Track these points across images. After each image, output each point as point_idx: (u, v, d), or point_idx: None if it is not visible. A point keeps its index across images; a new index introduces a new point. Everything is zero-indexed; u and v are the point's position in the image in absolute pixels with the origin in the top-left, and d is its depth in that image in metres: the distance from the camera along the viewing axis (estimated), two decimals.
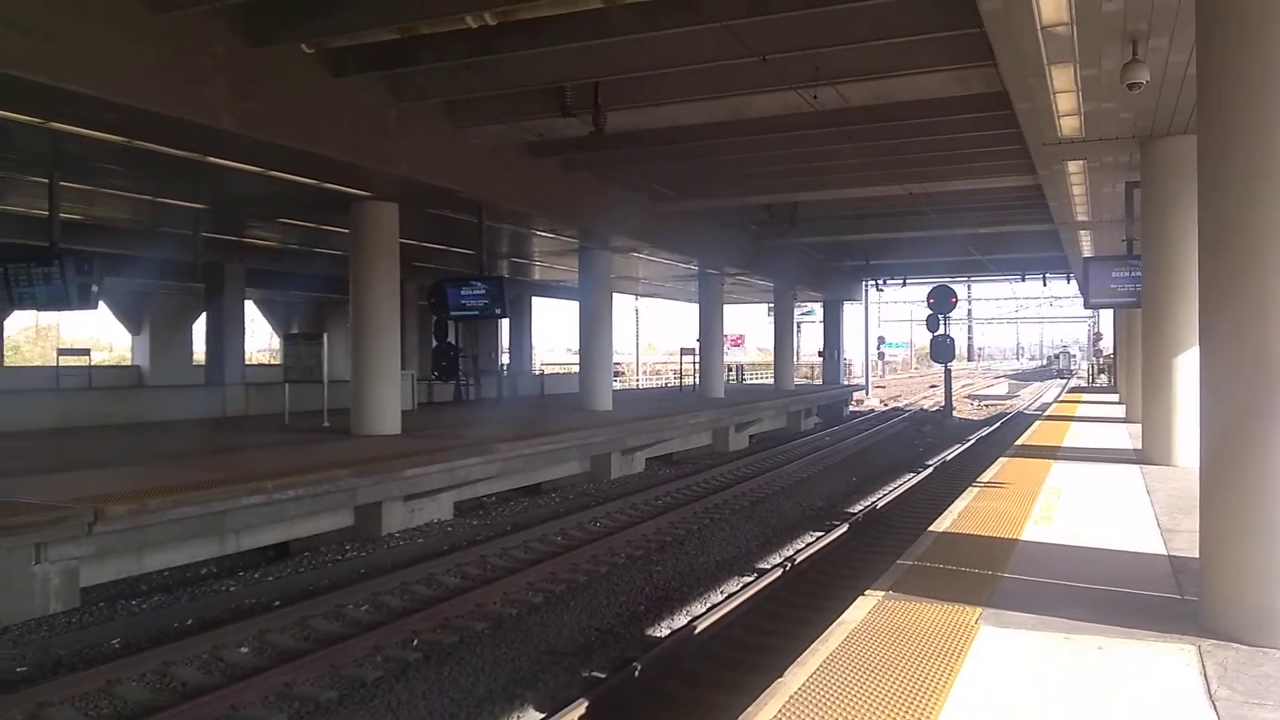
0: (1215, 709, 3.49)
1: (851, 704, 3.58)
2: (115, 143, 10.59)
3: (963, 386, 50.68)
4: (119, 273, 19.94)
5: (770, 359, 39.73)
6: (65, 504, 7.93)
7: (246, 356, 27.89)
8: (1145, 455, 10.97)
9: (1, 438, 14.35)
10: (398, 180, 12.99)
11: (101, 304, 16.37)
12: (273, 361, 38.03)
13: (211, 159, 11.56)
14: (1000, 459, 11.54)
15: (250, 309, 29.79)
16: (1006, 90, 9.57)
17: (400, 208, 14.57)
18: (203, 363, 26.33)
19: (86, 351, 26.63)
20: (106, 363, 34.96)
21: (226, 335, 23.67)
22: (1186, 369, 9.90)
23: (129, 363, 30.02)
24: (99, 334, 47.49)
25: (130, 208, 16.69)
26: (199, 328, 27.18)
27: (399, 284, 15.19)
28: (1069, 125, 10.57)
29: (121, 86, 8.91)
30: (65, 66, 8.37)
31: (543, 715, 6.11)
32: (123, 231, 18.63)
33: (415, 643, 7.40)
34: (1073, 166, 12.96)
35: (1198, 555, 4.73)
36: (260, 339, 45.31)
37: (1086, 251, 21.83)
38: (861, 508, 13.95)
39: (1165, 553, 6.10)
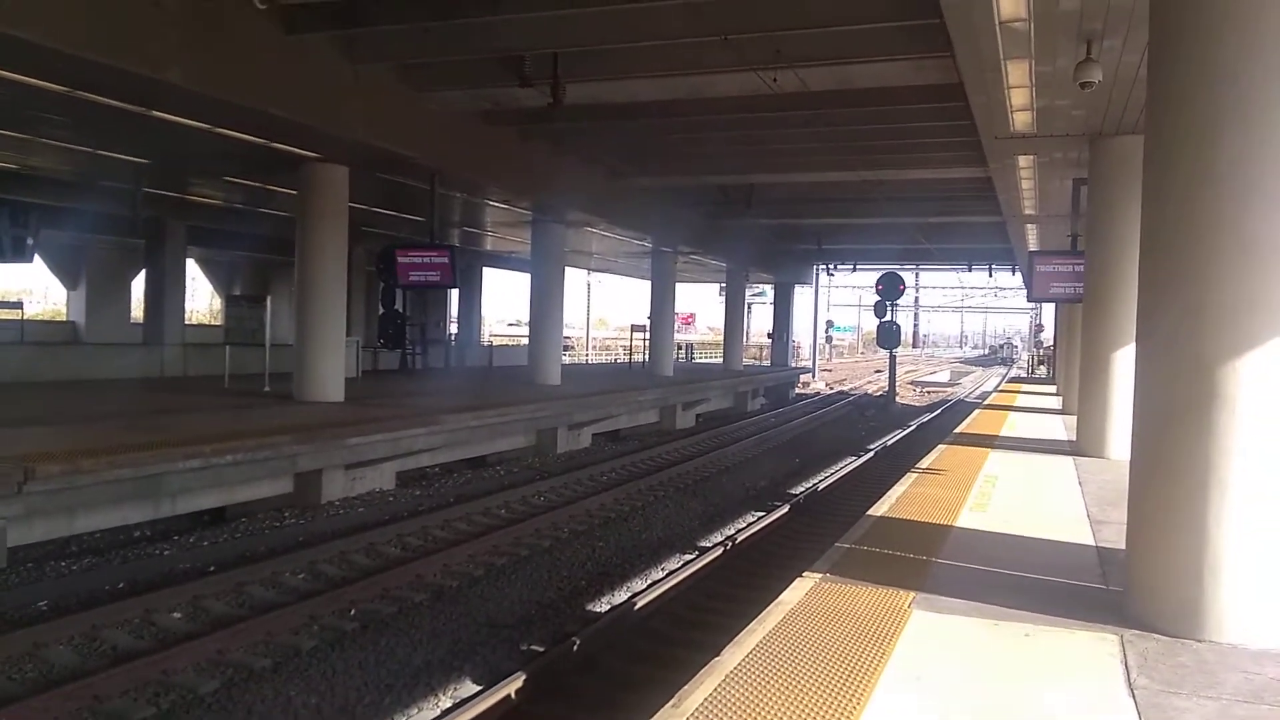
0: (1134, 697, 3.61)
1: (786, 684, 3.64)
2: (55, 91, 10.22)
3: (907, 373, 51.44)
4: (56, 225, 19.31)
5: (720, 338, 39.91)
6: None
7: (187, 316, 27.26)
8: (1079, 447, 11.24)
9: None
10: (349, 143, 12.76)
11: (37, 256, 15.85)
12: (214, 322, 37.24)
13: (157, 113, 11.23)
14: (940, 446, 11.75)
15: (192, 268, 29.08)
16: (963, 82, 9.67)
17: (351, 171, 14.31)
18: (141, 321, 25.69)
19: (19, 305, 25.76)
20: (40, 317, 33.94)
21: (166, 294, 23.08)
22: (1123, 365, 10.14)
23: (64, 318, 29.17)
24: (32, 286, 46.04)
25: (69, 159, 16.15)
26: (138, 285, 26.48)
27: (347, 248, 14.95)
28: (1021, 120, 10.72)
29: (64, 34, 8.59)
30: (7, 13, 8.04)
31: (480, 687, 6.11)
32: (61, 183, 18.00)
33: (353, 612, 7.36)
34: (1023, 161, 13.17)
35: (1124, 547, 4.87)
36: (201, 299, 44.27)
37: (1032, 245, 22.25)
38: (803, 489, 14.14)
39: (1094, 543, 6.28)
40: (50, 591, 7.47)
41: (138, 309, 27.22)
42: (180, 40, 9.67)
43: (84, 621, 6.61)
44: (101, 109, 11.01)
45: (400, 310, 23.89)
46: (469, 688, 6.20)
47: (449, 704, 5.93)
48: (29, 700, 5.35)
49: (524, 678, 6.00)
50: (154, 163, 16.25)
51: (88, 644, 6.42)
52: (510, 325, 60.25)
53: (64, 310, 29.66)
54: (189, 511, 9.79)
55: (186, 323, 26.29)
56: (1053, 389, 25.70)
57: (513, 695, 5.86)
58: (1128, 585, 4.74)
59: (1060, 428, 14.30)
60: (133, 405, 13.26)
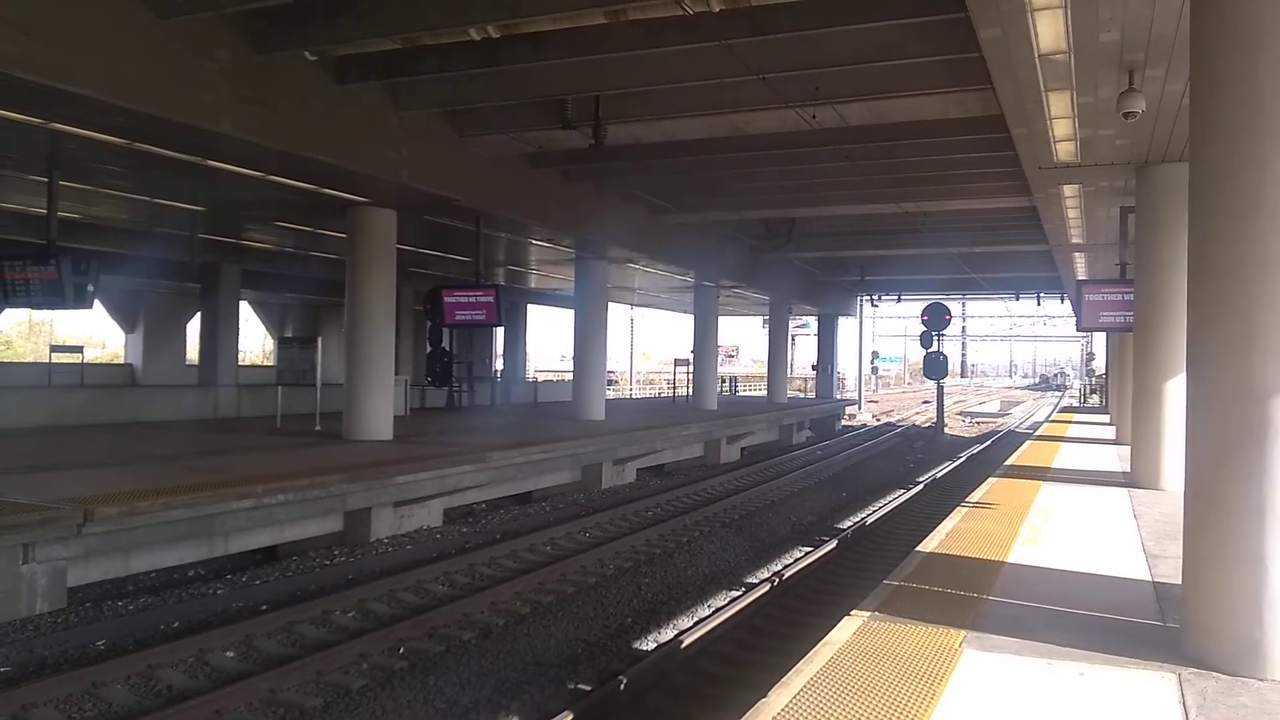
0: None
1: None
2: (116, 144, 10.61)
3: (955, 403, 50.80)
4: (115, 271, 19.90)
5: (764, 371, 39.79)
6: (55, 504, 7.92)
7: (240, 358, 27.85)
8: (1134, 479, 11.02)
9: None
10: (396, 187, 13.03)
11: (96, 302, 16.34)
12: (266, 363, 37.95)
13: (211, 162, 11.58)
14: (990, 478, 11.58)
15: (245, 310, 29.76)
16: (1003, 114, 9.65)
17: (398, 214, 14.60)
18: (196, 363, 26.28)
19: (80, 349, 26.53)
20: (99, 360, 34.87)
21: (220, 336, 23.64)
22: (1176, 394, 9.96)
23: (122, 361, 29.95)
24: (92, 331, 47.36)
25: (128, 207, 16.70)
26: (193, 327, 27.15)
27: (395, 289, 15.21)
28: (1065, 150, 10.66)
29: (124, 90, 8.94)
30: (68, 69, 8.41)
31: None
32: (120, 231, 18.62)
33: (401, 650, 7.40)
34: (1068, 190, 13.05)
35: (1180, 582, 4.77)
36: (254, 340, 45.24)
37: (1081, 274, 21.96)
38: (851, 524, 13.99)
39: (1150, 579, 6.14)
40: (108, 631, 7.61)
41: (192, 351, 27.88)
42: (232, 92, 9.99)
43: (140, 661, 6.73)
44: (158, 159, 11.38)
45: (447, 349, 24.22)
46: None
47: None
48: None
49: (571, 717, 5.99)
50: (209, 209, 16.73)
51: (144, 683, 6.53)
52: (562, 359, 60.48)
53: (122, 354, 30.46)
54: (241, 550, 9.95)
55: (240, 364, 26.84)
56: (1106, 419, 25.22)
57: None
58: (1185, 622, 4.64)
59: (1114, 459, 14.03)
60: (187, 446, 13.55)
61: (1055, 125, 9.63)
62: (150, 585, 9.19)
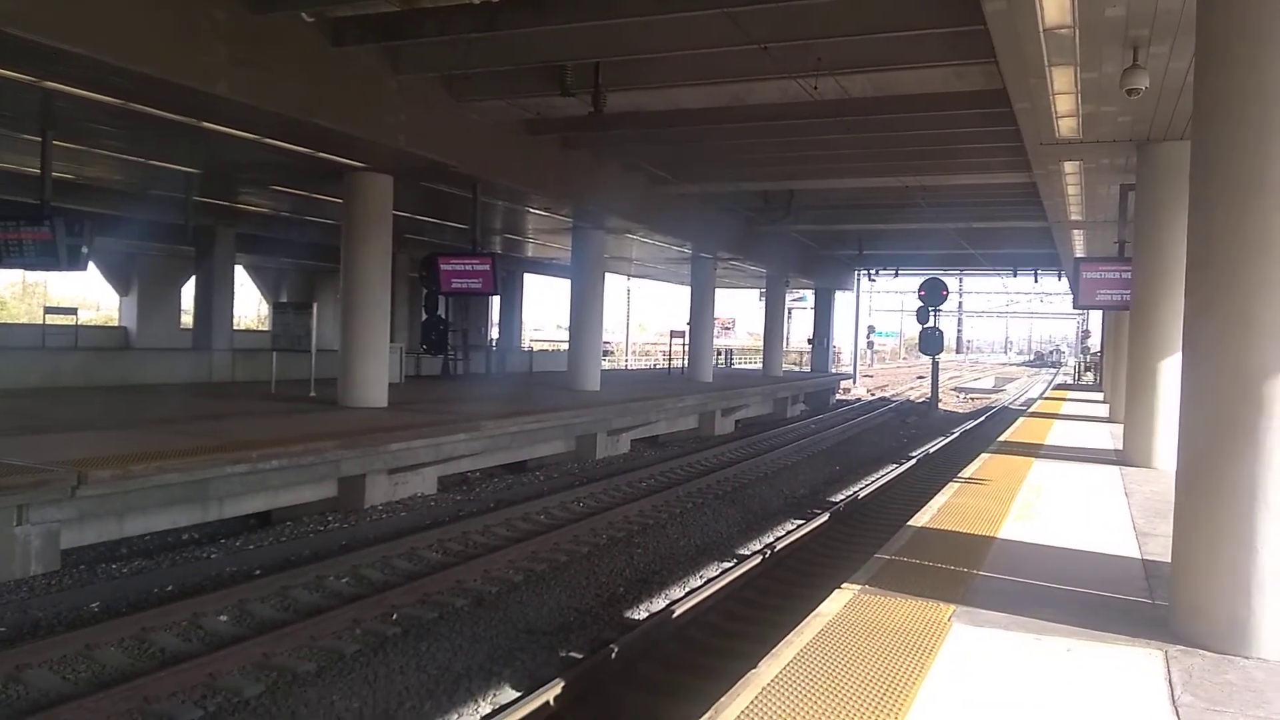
0: (1178, 714, 3.56)
1: (823, 697, 3.64)
2: (110, 104, 10.50)
3: (950, 379, 50.90)
4: (109, 233, 19.82)
5: (760, 344, 39.80)
6: (49, 467, 7.93)
7: (235, 322, 27.78)
8: (1126, 457, 11.06)
9: None
10: (393, 153, 12.93)
11: (90, 264, 16.27)
12: (261, 328, 37.88)
13: (207, 124, 11.48)
14: (983, 454, 11.62)
15: (239, 274, 29.66)
16: (1006, 89, 9.58)
17: (395, 180, 14.50)
18: (190, 326, 26.22)
19: (74, 311, 26.43)
20: (93, 323, 34.77)
21: (215, 300, 23.57)
22: (1170, 374, 9.96)
23: (116, 324, 29.88)
24: (86, 293, 47.15)
25: (122, 169, 16.57)
26: (188, 291, 27.06)
27: (390, 256, 15.15)
28: (1067, 126, 10.60)
29: (120, 49, 8.83)
30: (64, 27, 8.30)
31: (519, 693, 6.17)
32: (114, 192, 18.48)
33: (395, 616, 7.45)
34: (1069, 167, 13.00)
35: (1170, 560, 4.80)
36: (249, 305, 45.12)
37: (1079, 251, 21.93)
38: (843, 497, 14.05)
39: (1139, 556, 6.19)
40: (101, 593, 7.64)
41: (187, 315, 27.81)
42: (229, 54, 9.87)
43: (134, 623, 6.76)
44: (154, 120, 11.27)
45: (443, 317, 24.18)
46: (508, 694, 6.26)
47: (488, 710, 5.99)
48: (82, 700, 5.48)
49: (562, 684, 6.03)
50: (204, 172, 16.62)
51: (137, 645, 6.56)
52: (558, 328, 60.41)
53: (116, 316, 30.38)
54: (235, 515, 9.98)
55: (235, 329, 26.78)
56: (1099, 396, 25.30)
57: (551, 702, 5.90)
58: (1173, 600, 4.68)
59: (1107, 437, 14.08)
60: (181, 410, 13.54)
61: (1058, 100, 9.56)
62: (144, 548, 9.23)
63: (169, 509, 9.05)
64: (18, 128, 12.83)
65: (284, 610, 7.54)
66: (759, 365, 37.03)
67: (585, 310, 20.92)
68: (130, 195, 18.69)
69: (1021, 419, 18.45)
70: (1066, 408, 21.24)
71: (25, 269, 14.22)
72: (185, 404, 14.61)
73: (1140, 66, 8.00)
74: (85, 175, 16.74)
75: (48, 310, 26.23)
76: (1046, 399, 27.08)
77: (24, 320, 39.15)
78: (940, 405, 33.49)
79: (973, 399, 40.75)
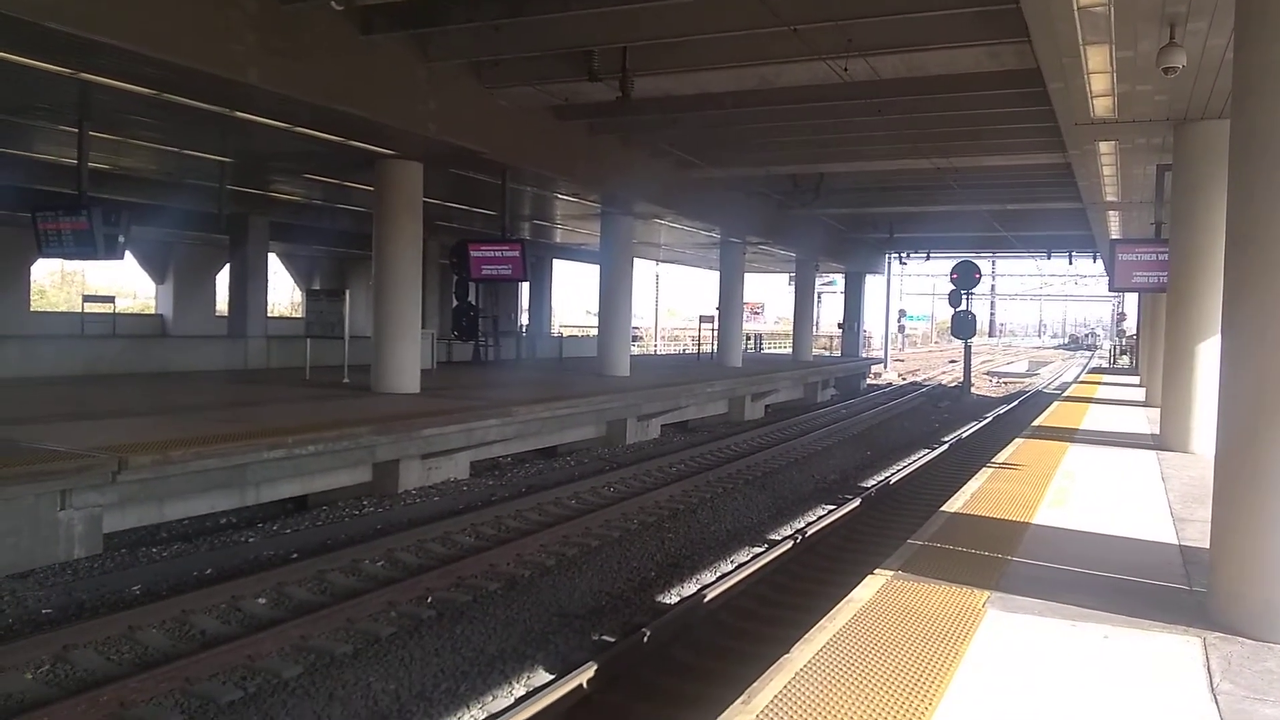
0: (1216, 702, 3.52)
1: (857, 683, 3.64)
2: (145, 95, 10.62)
3: (983, 363, 50.43)
4: (145, 222, 20.06)
5: (789, 329, 39.59)
6: (90, 452, 8.08)
7: (269, 309, 28.07)
8: (1163, 441, 10.93)
9: (28, 384, 14.60)
10: (423, 140, 12.97)
11: (126, 252, 16.51)
12: (294, 315, 38.24)
13: (239, 113, 11.58)
14: (1016, 439, 11.53)
15: (273, 262, 29.94)
16: (1040, 68, 9.44)
17: (425, 167, 14.57)
18: (225, 314, 26.54)
19: (111, 299, 26.84)
20: (130, 311, 35.28)
21: (249, 287, 23.81)
22: (1208, 357, 9.84)
23: (153, 311, 30.30)
24: (123, 282, 47.81)
25: (157, 159, 16.76)
26: (222, 279, 27.38)
27: (421, 243, 15.23)
28: (1102, 106, 10.43)
29: (152, 39, 8.93)
30: (97, 18, 8.40)
31: (552, 676, 6.23)
32: (150, 182, 18.72)
33: (429, 600, 7.53)
34: (1104, 147, 12.80)
35: (1208, 546, 4.75)
36: (283, 292, 45.57)
37: (1114, 233, 21.62)
38: (875, 483, 14.00)
39: (1176, 542, 6.12)
40: (142, 576, 7.79)
41: (222, 303, 28.14)
42: (259, 42, 9.95)
43: (174, 606, 6.89)
44: (187, 110, 11.40)
45: (473, 303, 24.31)
46: (542, 676, 6.32)
47: (522, 692, 6.05)
48: (126, 680, 5.60)
49: (595, 668, 6.08)
50: (237, 161, 16.77)
51: (178, 628, 6.69)
52: (588, 314, 60.44)
53: (152, 304, 30.80)
54: (272, 500, 10.12)
55: (269, 316, 27.07)
56: (1135, 380, 24.97)
57: (584, 685, 5.95)
58: (1211, 586, 4.62)
59: (1143, 421, 13.91)
60: (218, 397, 13.74)
61: (1093, 80, 9.41)
62: (183, 533, 9.39)
63: (207, 493, 9.20)
64: (55, 119, 13.01)
65: (320, 593, 7.65)
66: (788, 350, 36.88)
67: (614, 296, 20.92)
68: (165, 185, 18.93)
69: (1056, 403, 18.26)
70: (1101, 392, 21.00)
71: (64, 258, 14.46)
72: (221, 390, 14.82)
73: (1177, 44, 7.85)
74: (121, 165, 16.95)
75: (86, 299, 26.64)
76: (1081, 383, 26.77)
77: (63, 308, 39.79)
78: (973, 390, 33.22)
79: (1006, 383, 40.36)
